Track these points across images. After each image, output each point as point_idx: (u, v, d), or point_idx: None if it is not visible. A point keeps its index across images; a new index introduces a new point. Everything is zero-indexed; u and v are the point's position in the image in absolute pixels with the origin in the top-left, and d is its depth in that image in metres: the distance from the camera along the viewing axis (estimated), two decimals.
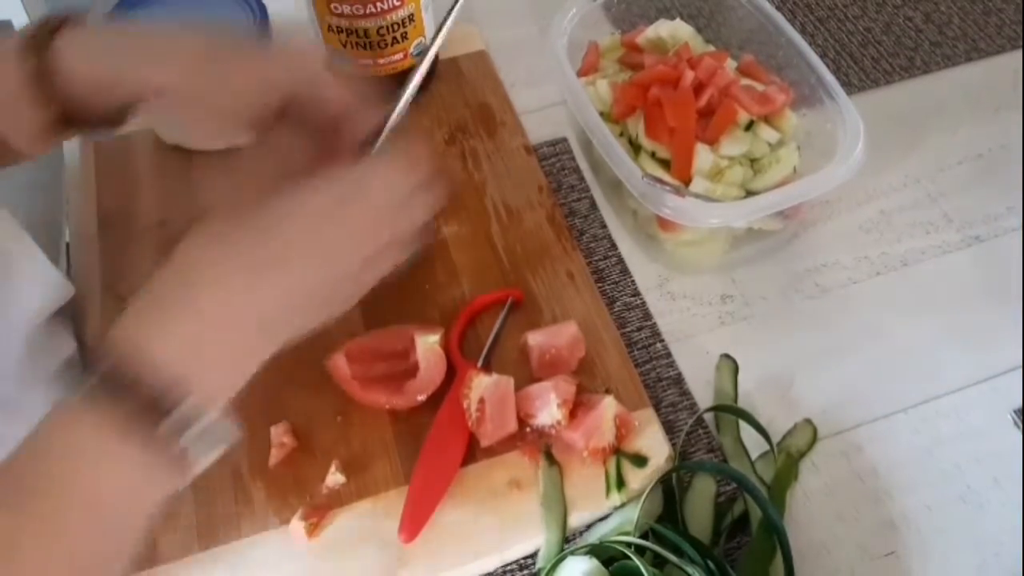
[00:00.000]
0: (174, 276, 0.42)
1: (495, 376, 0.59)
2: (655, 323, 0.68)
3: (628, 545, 0.53)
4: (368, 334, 0.64)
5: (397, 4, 0.71)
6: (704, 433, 0.63)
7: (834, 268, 0.71)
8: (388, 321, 0.66)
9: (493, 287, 0.68)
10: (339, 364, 0.61)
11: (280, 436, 0.60)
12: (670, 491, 0.58)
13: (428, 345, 0.62)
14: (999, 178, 0.77)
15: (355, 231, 0.45)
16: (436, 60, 0.81)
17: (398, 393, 0.61)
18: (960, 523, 0.59)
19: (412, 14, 0.73)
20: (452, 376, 0.62)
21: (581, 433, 0.58)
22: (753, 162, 0.69)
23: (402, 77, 0.76)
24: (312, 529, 0.56)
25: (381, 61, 0.75)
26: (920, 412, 0.63)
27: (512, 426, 0.59)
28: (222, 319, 0.41)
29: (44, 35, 0.49)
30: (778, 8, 0.78)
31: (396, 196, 0.46)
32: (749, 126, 0.68)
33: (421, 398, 0.61)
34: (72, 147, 0.78)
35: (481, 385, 0.59)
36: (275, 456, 0.59)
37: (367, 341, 0.63)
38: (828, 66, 0.69)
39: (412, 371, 0.61)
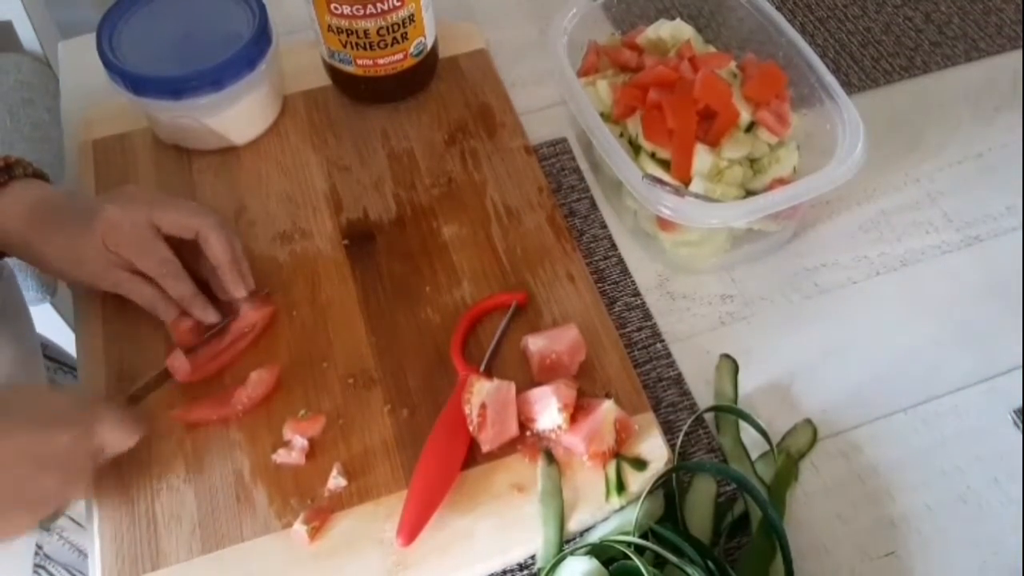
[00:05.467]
0: None
1: (497, 381, 0.59)
2: (655, 323, 0.68)
3: (628, 545, 0.53)
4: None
5: (397, 4, 0.71)
6: (704, 433, 0.63)
7: (834, 268, 0.71)
8: (391, 325, 0.66)
9: (493, 288, 0.68)
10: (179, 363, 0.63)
11: (291, 434, 0.60)
12: (670, 491, 0.58)
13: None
14: (999, 178, 0.77)
15: None
16: (436, 58, 0.81)
17: (228, 402, 0.62)
18: (960, 523, 0.59)
19: (412, 14, 0.73)
20: (453, 377, 0.62)
21: (581, 437, 0.58)
22: (753, 162, 0.69)
23: (403, 77, 0.77)
24: (314, 533, 0.56)
25: (381, 61, 0.75)
26: (920, 412, 0.64)
27: (513, 431, 0.59)
28: None
29: None
30: (778, 8, 0.78)
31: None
32: (750, 128, 0.69)
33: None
34: (72, 147, 0.79)
35: (483, 390, 0.58)
36: (282, 456, 0.60)
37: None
38: (828, 66, 0.69)
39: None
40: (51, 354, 0.86)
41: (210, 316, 0.64)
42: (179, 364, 0.62)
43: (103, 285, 0.64)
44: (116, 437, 0.55)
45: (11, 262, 1.06)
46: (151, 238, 0.62)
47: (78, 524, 0.76)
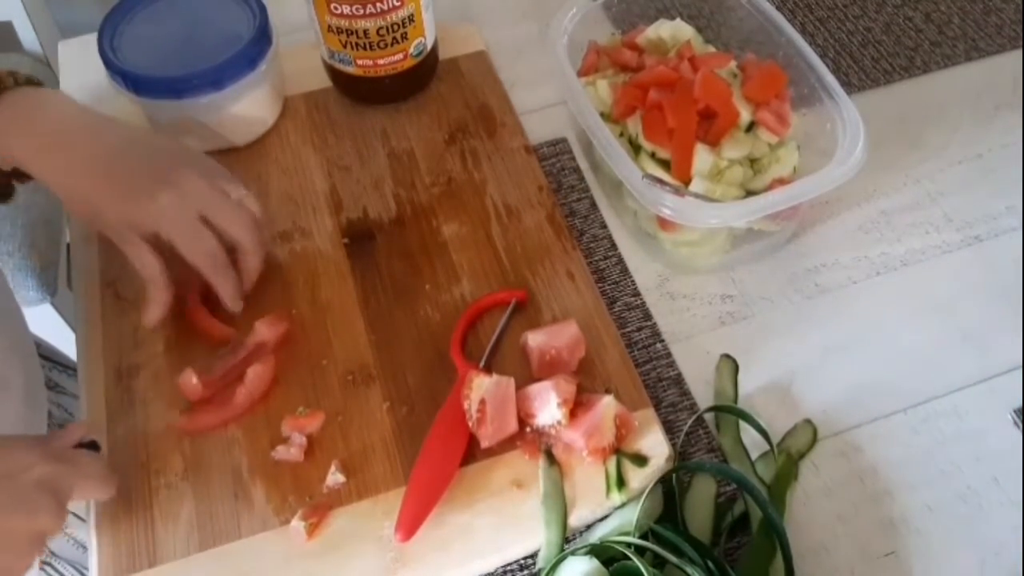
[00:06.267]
0: None
1: (496, 377, 0.59)
2: (655, 323, 0.68)
3: (628, 545, 0.53)
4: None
5: (397, 4, 0.71)
6: (704, 433, 0.63)
7: (834, 268, 0.71)
8: (391, 323, 0.66)
9: (493, 287, 0.68)
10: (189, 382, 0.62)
11: (290, 430, 0.60)
12: (670, 491, 0.58)
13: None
14: (999, 178, 0.77)
15: None
16: (436, 59, 0.81)
17: (229, 404, 0.61)
18: (960, 523, 0.59)
19: (412, 14, 0.73)
20: (453, 375, 0.62)
21: (581, 433, 0.58)
22: (753, 162, 0.69)
23: (403, 77, 0.77)
24: (312, 529, 0.56)
25: (381, 61, 0.75)
26: (920, 412, 0.63)
27: (513, 427, 0.59)
28: None
29: None
30: (778, 8, 0.78)
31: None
32: (750, 128, 0.69)
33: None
34: None
35: (482, 386, 0.58)
36: (281, 452, 0.60)
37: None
38: (828, 66, 0.69)
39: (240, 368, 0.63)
40: (44, 352, 0.86)
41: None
42: (191, 385, 0.61)
43: (110, 237, 0.61)
44: (92, 487, 0.54)
45: (9, 263, 1.06)
46: (199, 228, 0.59)
47: (82, 520, 0.76)
